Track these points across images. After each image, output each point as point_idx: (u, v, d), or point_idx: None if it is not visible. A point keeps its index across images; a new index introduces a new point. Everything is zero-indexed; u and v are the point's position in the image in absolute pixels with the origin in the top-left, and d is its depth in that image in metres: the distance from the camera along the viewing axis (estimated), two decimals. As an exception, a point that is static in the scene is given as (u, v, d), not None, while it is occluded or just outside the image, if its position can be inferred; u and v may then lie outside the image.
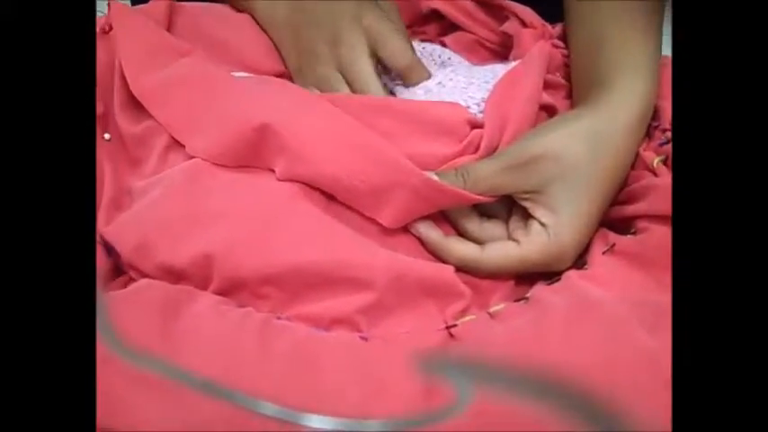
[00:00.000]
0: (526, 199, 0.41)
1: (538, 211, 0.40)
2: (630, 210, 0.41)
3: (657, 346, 0.33)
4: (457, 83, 0.46)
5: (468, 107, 0.44)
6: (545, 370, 0.29)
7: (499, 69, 0.48)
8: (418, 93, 0.45)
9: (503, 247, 0.41)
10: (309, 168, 0.40)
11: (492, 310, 0.38)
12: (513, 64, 0.48)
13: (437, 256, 0.41)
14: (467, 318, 0.37)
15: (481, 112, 0.44)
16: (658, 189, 0.40)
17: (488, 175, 0.40)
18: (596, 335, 0.33)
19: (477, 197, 0.40)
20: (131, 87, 0.44)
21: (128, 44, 0.46)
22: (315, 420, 0.23)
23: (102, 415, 0.29)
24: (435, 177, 0.40)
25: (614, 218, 0.43)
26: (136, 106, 0.45)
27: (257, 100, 0.42)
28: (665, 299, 0.34)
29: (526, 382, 0.18)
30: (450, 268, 0.39)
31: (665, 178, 0.40)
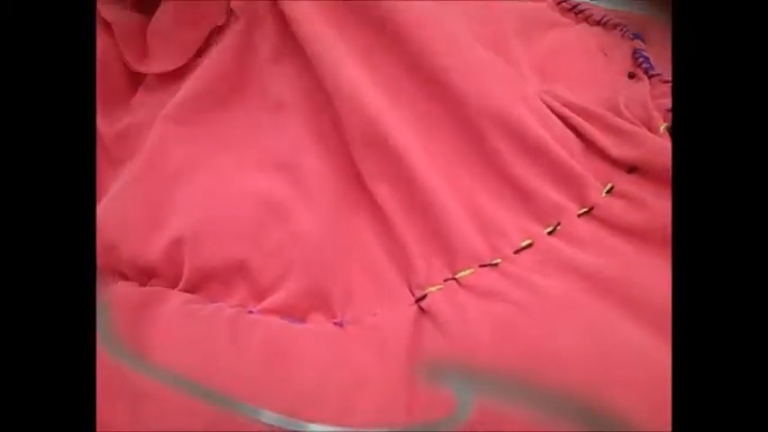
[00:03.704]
0: None
1: None
2: (618, 152, 0.39)
3: (643, 335, 0.32)
4: None
5: None
6: (546, 376, 0.29)
7: None
8: None
9: None
10: None
11: (459, 276, 0.36)
12: None
13: None
14: (434, 288, 0.36)
15: None
16: (657, 148, 0.37)
17: None
18: (582, 336, 0.32)
19: None
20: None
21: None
22: (318, 430, 0.24)
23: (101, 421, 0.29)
24: None
25: (593, 146, 0.40)
26: (115, 104, 0.45)
27: None
28: (644, 274, 0.34)
29: (525, 389, 0.18)
30: (413, 238, 0.37)
31: (667, 143, 0.38)
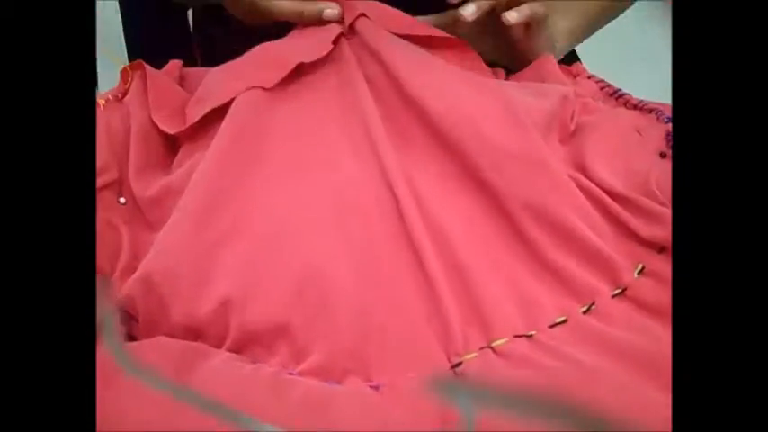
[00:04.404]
0: None
1: None
2: (648, 233, 0.41)
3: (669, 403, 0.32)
4: None
5: None
6: (551, 393, 0.28)
7: None
8: None
9: None
10: None
11: (494, 344, 0.37)
12: None
13: None
14: (470, 355, 0.37)
15: None
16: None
17: None
18: (611, 399, 0.33)
19: None
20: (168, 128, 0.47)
21: (159, 98, 0.49)
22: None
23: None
24: None
25: (625, 228, 0.42)
26: (150, 170, 0.47)
27: None
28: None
29: (532, 406, 0.17)
30: (454, 308, 0.38)
31: None
